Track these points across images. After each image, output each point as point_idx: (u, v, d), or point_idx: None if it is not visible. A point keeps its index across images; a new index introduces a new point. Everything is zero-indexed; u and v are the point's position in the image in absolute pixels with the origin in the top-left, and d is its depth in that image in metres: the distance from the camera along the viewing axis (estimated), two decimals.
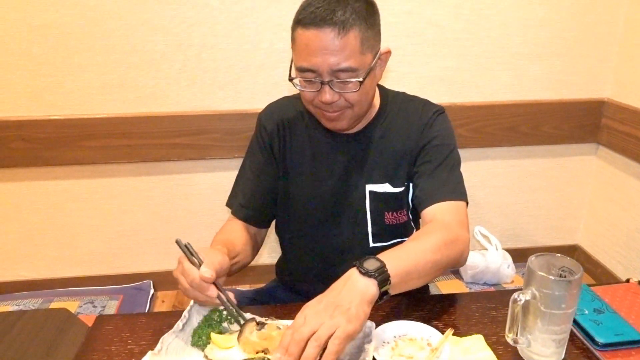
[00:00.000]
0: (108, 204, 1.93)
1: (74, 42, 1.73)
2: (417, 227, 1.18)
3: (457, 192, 1.04)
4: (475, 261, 1.69)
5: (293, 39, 0.96)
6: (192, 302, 0.94)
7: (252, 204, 1.14)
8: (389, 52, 1.03)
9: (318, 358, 0.70)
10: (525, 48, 1.89)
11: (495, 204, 2.04)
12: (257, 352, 0.79)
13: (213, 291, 0.84)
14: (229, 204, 1.18)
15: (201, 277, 0.83)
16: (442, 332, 0.89)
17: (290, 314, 0.85)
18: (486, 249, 1.71)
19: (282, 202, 1.19)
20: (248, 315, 0.89)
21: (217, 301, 0.87)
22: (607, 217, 2.03)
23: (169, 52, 1.77)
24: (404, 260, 0.84)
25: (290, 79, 0.99)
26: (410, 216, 1.14)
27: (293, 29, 0.96)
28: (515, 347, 0.88)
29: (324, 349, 0.71)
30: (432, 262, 0.88)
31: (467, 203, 1.06)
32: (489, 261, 1.65)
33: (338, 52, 0.91)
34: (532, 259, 0.85)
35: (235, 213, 1.15)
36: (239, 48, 1.76)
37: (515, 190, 2.06)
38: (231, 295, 0.89)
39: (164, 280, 2.01)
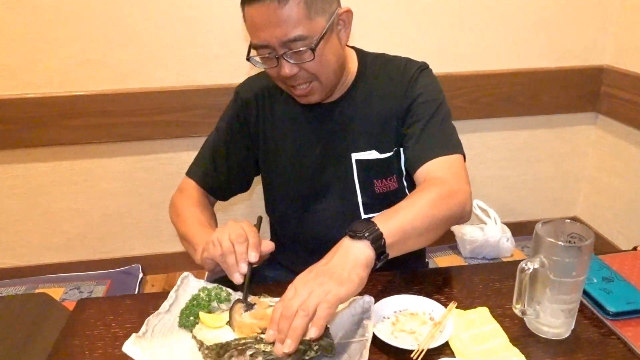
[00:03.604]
0: (91, 186, 1.86)
1: (49, 16, 1.64)
2: None
3: (450, 145, 0.99)
4: (474, 235, 1.65)
5: (244, 18, 0.92)
6: (179, 281, 0.89)
7: (218, 176, 1.12)
8: (349, 12, 0.97)
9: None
10: (522, 14, 1.83)
11: (492, 177, 1.99)
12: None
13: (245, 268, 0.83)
14: (191, 173, 1.14)
15: (264, 244, 0.86)
16: (445, 305, 0.85)
17: (282, 292, 0.81)
18: (485, 223, 1.67)
19: (266, 181, 1.16)
20: (234, 298, 0.84)
21: (240, 280, 0.82)
22: (607, 187, 2.00)
23: (150, 25, 1.69)
24: (398, 219, 0.80)
25: (248, 59, 0.96)
26: (405, 183, 1.09)
27: (242, 8, 0.92)
28: (522, 319, 0.84)
29: None
30: (430, 217, 0.84)
31: (465, 156, 1.00)
32: (488, 235, 1.61)
33: (283, 23, 0.87)
34: (540, 226, 0.80)
35: (198, 181, 1.12)
36: (224, 20, 1.69)
37: (512, 162, 2.01)
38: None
39: (153, 263, 1.96)
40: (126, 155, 1.82)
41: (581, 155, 2.05)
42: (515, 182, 2.03)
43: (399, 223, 0.80)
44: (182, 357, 0.75)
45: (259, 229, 0.91)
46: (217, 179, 1.13)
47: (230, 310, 0.79)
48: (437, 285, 0.95)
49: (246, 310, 0.79)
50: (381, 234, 0.76)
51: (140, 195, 1.89)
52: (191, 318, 0.81)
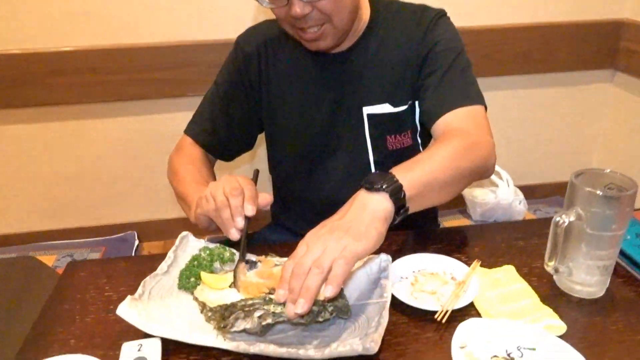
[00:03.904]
0: (82, 149, 1.77)
1: None
2: None
3: (472, 95, 0.92)
4: (486, 198, 1.58)
5: None
6: (177, 241, 0.82)
7: (218, 132, 1.05)
8: None
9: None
10: None
11: (504, 138, 1.91)
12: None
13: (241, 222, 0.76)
14: (189, 131, 1.07)
15: (261, 197, 0.79)
16: (466, 265, 0.78)
17: (289, 253, 0.74)
18: (497, 185, 1.60)
19: (270, 138, 1.09)
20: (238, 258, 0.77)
21: (236, 236, 0.76)
22: (623, 147, 1.92)
23: None
24: (418, 170, 0.74)
25: None
26: (419, 140, 1.03)
27: None
28: (551, 277, 0.78)
29: None
30: (452, 169, 0.78)
31: (486, 107, 0.93)
32: (500, 197, 1.55)
33: None
34: (575, 176, 0.73)
35: (196, 138, 1.05)
36: None
37: (526, 123, 1.94)
38: None
39: (150, 230, 1.89)
40: (118, 116, 1.73)
41: (596, 115, 1.96)
42: (527, 144, 1.95)
43: (419, 175, 0.74)
44: (182, 320, 0.69)
45: (256, 182, 0.85)
46: (217, 137, 1.06)
47: (234, 270, 0.72)
48: (456, 244, 0.89)
49: (251, 269, 0.72)
50: (400, 186, 0.70)
51: (134, 158, 1.80)
52: (192, 279, 0.74)
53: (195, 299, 0.67)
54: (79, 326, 0.72)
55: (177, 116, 1.73)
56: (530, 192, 1.81)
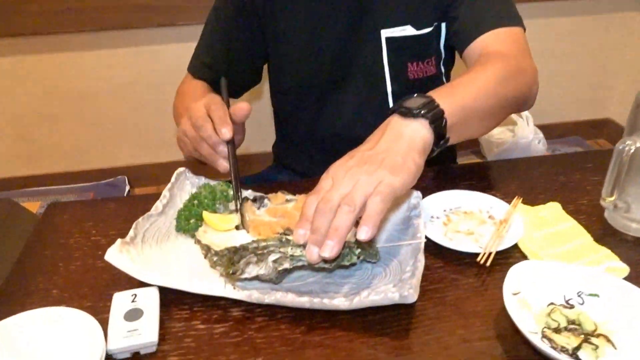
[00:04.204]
0: (61, 86, 1.62)
1: None
2: None
3: (511, 16, 0.82)
4: (502, 137, 1.48)
5: None
6: (173, 178, 0.72)
7: (219, 65, 0.95)
8: None
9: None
10: None
11: None
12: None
13: (229, 132, 0.66)
14: (190, 67, 0.97)
15: (234, 109, 0.68)
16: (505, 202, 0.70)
17: (300, 192, 0.63)
18: (515, 123, 1.49)
19: (274, 68, 0.98)
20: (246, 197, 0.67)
21: (225, 165, 0.67)
22: None
23: None
24: (459, 95, 0.65)
25: None
26: (443, 69, 0.93)
27: None
28: (602, 215, 0.69)
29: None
30: (496, 96, 0.69)
31: (525, 30, 0.84)
32: (519, 136, 1.45)
33: None
34: None
35: (197, 75, 0.96)
36: None
37: (545, 55, 1.80)
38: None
39: (141, 174, 1.79)
40: (101, 48, 1.57)
41: (620, 46, 1.83)
42: (546, 78, 1.82)
43: (461, 100, 0.64)
44: (182, 266, 0.59)
45: (225, 96, 0.74)
46: (219, 71, 0.93)
47: (240, 208, 0.61)
48: (490, 180, 0.79)
49: (260, 208, 0.62)
50: (442, 111, 0.60)
51: (121, 97, 1.67)
52: (191, 221, 0.65)
53: (198, 241, 0.57)
54: (63, 274, 0.63)
55: (165, 49, 1.58)
56: (547, 132, 1.70)
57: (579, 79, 1.86)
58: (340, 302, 0.52)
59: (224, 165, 0.68)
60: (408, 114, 0.58)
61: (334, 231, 0.50)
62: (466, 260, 0.62)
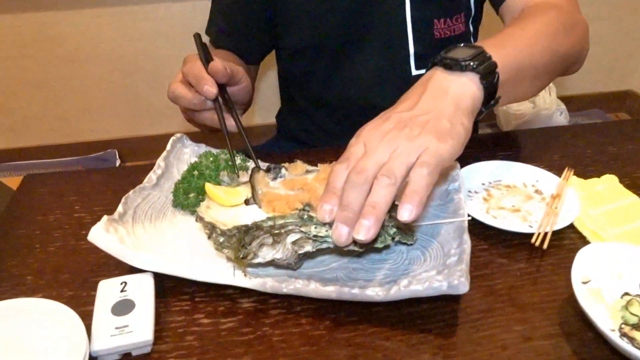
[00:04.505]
0: (42, 49, 1.50)
1: None
2: None
3: None
4: (522, 108, 1.38)
5: None
6: (169, 145, 0.65)
7: (236, 30, 0.87)
8: None
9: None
10: None
11: None
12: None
13: (212, 88, 0.59)
14: (207, 32, 0.89)
15: (212, 66, 0.61)
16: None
17: (316, 162, 0.54)
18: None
19: (283, 28, 0.87)
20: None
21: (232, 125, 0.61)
22: None
23: None
24: (511, 47, 0.57)
25: None
26: (471, 28, 0.83)
27: None
28: None
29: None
30: (551, 51, 0.61)
31: None
32: (540, 107, 1.35)
33: None
34: None
35: (214, 42, 0.88)
36: None
37: None
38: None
39: (133, 148, 1.68)
40: (84, 7, 1.44)
41: None
42: None
43: (513, 53, 0.55)
44: (180, 248, 0.51)
45: (202, 52, 0.65)
46: (235, 36, 0.87)
47: (250, 179, 0.52)
48: (528, 149, 0.71)
49: (275, 179, 0.52)
50: (495, 64, 0.51)
51: (110, 62, 1.55)
52: (191, 195, 0.56)
53: (200, 219, 0.48)
54: (39, 258, 0.54)
55: (158, 7, 1.45)
56: (567, 104, 1.61)
57: (603, 47, 1.74)
58: (374, 293, 0.43)
59: (232, 125, 0.62)
60: (455, 66, 0.50)
61: (370, 208, 0.41)
62: (514, 241, 0.53)
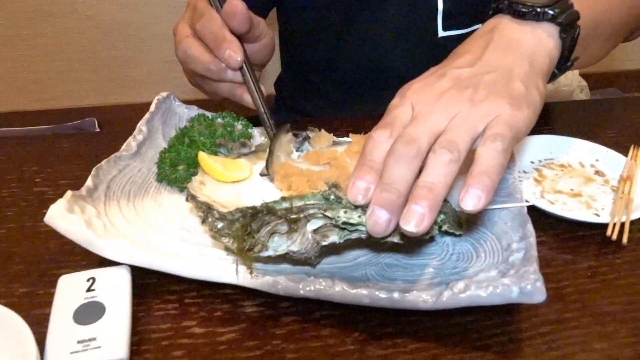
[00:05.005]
0: (14, 1, 1.38)
1: None
2: None
3: None
4: None
5: None
6: (153, 106, 0.54)
7: None
8: None
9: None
10: None
11: None
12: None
13: (236, 53, 0.47)
14: None
15: (230, 4, 0.47)
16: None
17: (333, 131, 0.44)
18: None
19: None
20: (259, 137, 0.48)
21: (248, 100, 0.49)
22: None
23: None
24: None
25: None
26: None
27: None
28: None
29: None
30: (626, 8, 0.54)
31: None
32: (561, 83, 1.26)
33: None
34: None
35: None
36: None
37: None
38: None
39: (113, 116, 1.59)
40: None
41: None
42: None
43: (593, 5, 0.48)
44: (166, 234, 0.41)
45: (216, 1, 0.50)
46: None
47: (271, 146, 0.41)
48: (577, 123, 0.63)
49: (299, 149, 0.42)
50: (578, 14, 0.43)
51: (89, 18, 1.43)
52: (180, 167, 0.46)
53: (192, 197, 0.37)
54: None
55: None
56: (586, 80, 1.55)
57: None
58: (420, 299, 0.33)
59: (248, 100, 0.49)
60: (528, 14, 0.41)
61: (426, 191, 0.31)
62: (579, 232, 0.44)
